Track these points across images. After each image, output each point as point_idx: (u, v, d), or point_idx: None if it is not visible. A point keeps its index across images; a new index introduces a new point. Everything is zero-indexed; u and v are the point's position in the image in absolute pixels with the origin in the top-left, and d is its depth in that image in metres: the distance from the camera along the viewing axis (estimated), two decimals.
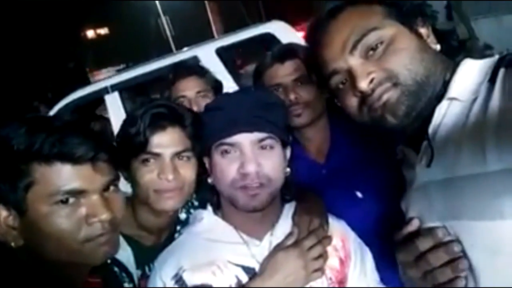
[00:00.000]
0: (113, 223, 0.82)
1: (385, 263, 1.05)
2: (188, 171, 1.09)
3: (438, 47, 0.84)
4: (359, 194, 1.27)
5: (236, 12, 14.70)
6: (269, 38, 3.82)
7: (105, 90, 4.16)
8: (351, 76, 0.82)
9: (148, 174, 1.06)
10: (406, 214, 0.92)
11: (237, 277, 0.95)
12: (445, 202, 0.77)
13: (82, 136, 0.78)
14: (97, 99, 4.27)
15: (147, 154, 1.05)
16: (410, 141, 0.89)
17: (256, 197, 0.92)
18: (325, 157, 1.34)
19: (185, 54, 4.24)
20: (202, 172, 1.08)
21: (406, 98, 0.79)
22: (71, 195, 0.76)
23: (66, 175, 0.75)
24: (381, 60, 0.80)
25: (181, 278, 0.95)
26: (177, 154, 1.07)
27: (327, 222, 1.06)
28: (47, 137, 0.74)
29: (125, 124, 1.08)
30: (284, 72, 1.25)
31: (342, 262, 1.02)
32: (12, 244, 0.76)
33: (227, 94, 1.08)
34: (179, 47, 8.23)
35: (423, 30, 0.84)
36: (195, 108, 1.57)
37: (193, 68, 1.85)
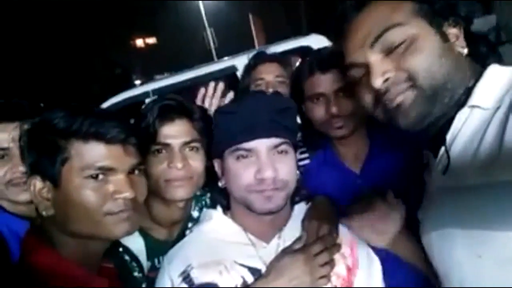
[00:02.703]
0: (134, 202, 0.88)
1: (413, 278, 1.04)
2: (197, 162, 1.11)
3: (465, 51, 0.81)
4: None
5: (279, 28, 14.87)
6: (308, 51, 3.84)
7: (146, 94, 4.32)
8: (368, 72, 0.81)
9: (159, 165, 1.09)
10: (421, 221, 0.89)
11: (243, 277, 0.95)
12: (456, 210, 0.75)
13: (116, 120, 0.87)
14: (139, 103, 4.44)
15: (157, 145, 1.08)
16: (430, 145, 0.86)
17: (272, 200, 0.93)
18: (361, 167, 1.29)
19: (224, 63, 4.35)
20: (211, 172, 1.09)
21: (420, 103, 0.76)
22: (101, 171, 0.84)
23: (99, 153, 0.83)
24: (400, 59, 0.77)
25: (188, 275, 0.95)
26: (186, 144, 1.10)
27: (337, 229, 1.04)
28: (86, 118, 0.83)
29: (137, 120, 1.11)
30: (326, 82, 1.20)
31: (349, 270, 1.00)
32: (44, 213, 0.84)
33: (242, 98, 1.08)
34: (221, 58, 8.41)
35: (453, 31, 0.80)
36: (270, 90, 1.53)
37: (275, 55, 1.86)
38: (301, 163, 1.52)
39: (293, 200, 1.07)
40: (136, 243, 1.13)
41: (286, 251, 0.96)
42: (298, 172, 1.01)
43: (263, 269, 0.95)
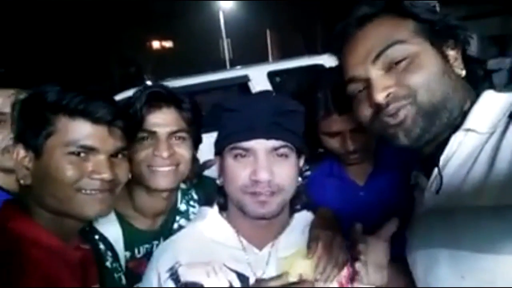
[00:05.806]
0: (112, 184, 0.89)
1: None
2: (183, 151, 1.09)
3: (463, 72, 0.81)
4: None
5: (294, 45, 15.04)
6: (321, 70, 3.89)
7: None
8: (368, 87, 0.81)
9: (143, 151, 1.06)
10: (408, 238, 0.90)
11: (230, 282, 0.91)
12: (445, 230, 0.75)
13: (107, 102, 0.88)
14: None
15: (143, 132, 1.06)
16: (423, 165, 0.87)
17: (266, 205, 0.89)
18: (365, 179, 1.31)
19: (238, 71, 4.40)
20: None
21: (421, 120, 0.77)
22: (83, 149, 0.85)
23: (84, 131, 0.85)
24: (401, 76, 0.78)
25: (176, 272, 0.93)
26: (173, 133, 1.07)
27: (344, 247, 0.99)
28: (77, 95, 0.85)
29: (125, 108, 1.06)
30: (342, 122, 1.18)
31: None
32: (22, 181, 0.86)
33: (246, 96, 1.05)
34: None
35: (452, 53, 0.81)
36: None
37: None
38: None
39: (293, 208, 1.03)
40: (113, 232, 1.10)
41: (260, 283, 0.91)
42: (299, 179, 0.97)
43: (251, 276, 0.92)
